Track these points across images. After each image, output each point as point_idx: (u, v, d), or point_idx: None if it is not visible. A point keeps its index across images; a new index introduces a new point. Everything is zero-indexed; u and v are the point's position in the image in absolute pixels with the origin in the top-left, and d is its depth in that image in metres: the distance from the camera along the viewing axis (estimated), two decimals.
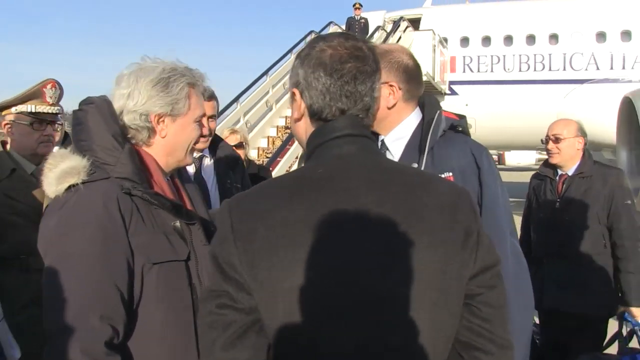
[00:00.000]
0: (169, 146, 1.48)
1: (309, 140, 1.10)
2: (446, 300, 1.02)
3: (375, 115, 1.13)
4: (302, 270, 0.94)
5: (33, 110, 2.37)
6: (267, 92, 10.22)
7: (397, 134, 1.66)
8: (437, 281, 1.01)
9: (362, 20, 14.30)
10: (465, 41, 14.93)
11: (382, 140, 1.68)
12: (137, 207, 1.36)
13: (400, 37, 12.50)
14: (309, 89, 1.07)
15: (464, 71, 14.97)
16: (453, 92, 14.93)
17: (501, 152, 31.82)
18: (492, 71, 14.75)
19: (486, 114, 14.43)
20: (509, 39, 14.59)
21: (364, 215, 0.98)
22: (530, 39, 14.44)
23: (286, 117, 10.22)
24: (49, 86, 2.41)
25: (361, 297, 0.97)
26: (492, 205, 1.56)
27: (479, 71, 14.88)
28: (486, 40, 14.76)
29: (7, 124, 2.41)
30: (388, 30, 12.63)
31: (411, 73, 1.63)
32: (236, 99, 9.32)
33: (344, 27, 14.67)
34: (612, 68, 13.75)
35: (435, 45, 13.35)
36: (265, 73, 10.25)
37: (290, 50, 11.35)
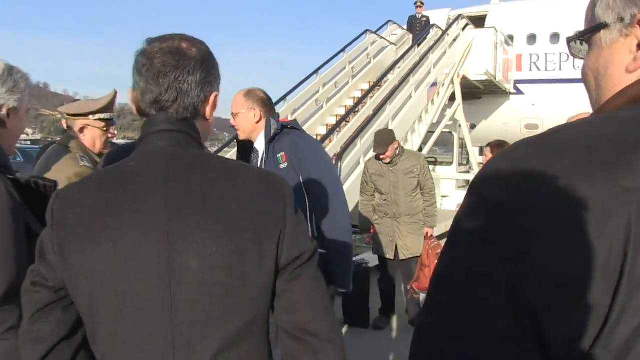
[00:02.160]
0: (9, 138, 1.62)
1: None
2: (243, 287, 1.07)
3: (195, 108, 1.18)
4: (99, 255, 1.04)
5: (107, 117, 2.73)
6: (318, 91, 10.38)
7: (260, 138, 2.74)
8: (234, 268, 1.07)
9: (424, 19, 14.08)
10: (532, 38, 14.35)
11: (254, 146, 2.76)
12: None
13: (458, 35, 12.19)
14: (133, 87, 1.18)
15: (530, 70, 14.38)
16: (519, 92, 14.41)
17: None
18: (560, 69, 14.05)
19: (554, 114, 13.76)
20: None
21: (160, 206, 1.06)
22: None
23: (337, 115, 10.34)
24: (116, 98, 2.82)
25: (151, 283, 1.04)
26: (306, 170, 2.59)
27: (546, 69, 14.23)
28: (554, 37, 14.10)
29: (83, 127, 2.70)
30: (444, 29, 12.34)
31: (265, 102, 2.73)
32: (284, 97, 9.59)
33: (405, 26, 14.60)
34: None
35: (497, 44, 12.93)
36: (316, 72, 10.39)
37: (343, 50, 11.42)
